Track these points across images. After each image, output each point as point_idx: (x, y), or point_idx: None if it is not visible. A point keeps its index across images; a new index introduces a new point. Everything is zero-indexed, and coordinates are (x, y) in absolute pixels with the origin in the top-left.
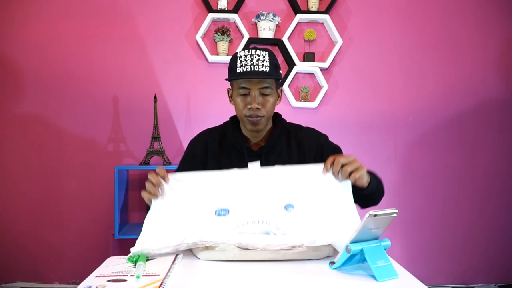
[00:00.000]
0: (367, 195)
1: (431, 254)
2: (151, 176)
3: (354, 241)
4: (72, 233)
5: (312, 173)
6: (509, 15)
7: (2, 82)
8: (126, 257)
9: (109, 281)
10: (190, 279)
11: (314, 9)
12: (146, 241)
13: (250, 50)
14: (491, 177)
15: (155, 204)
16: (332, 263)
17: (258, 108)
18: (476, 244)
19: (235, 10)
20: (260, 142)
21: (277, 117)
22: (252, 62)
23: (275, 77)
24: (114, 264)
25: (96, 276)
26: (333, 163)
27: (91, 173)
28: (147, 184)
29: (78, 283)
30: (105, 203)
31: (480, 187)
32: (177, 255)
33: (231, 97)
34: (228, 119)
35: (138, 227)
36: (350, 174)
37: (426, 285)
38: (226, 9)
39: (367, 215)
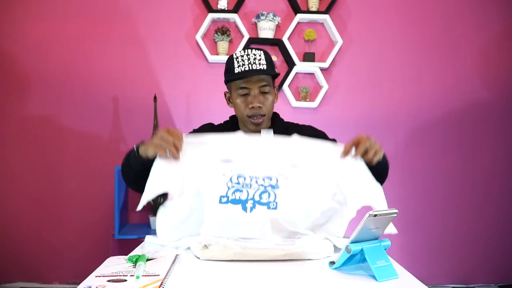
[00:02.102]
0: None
1: (431, 254)
2: (167, 135)
3: (354, 241)
4: (72, 233)
5: (327, 150)
6: (509, 15)
7: (3, 82)
8: (126, 257)
9: (109, 281)
10: (190, 279)
11: (314, 9)
12: (150, 195)
13: (246, 50)
14: (491, 177)
15: (160, 163)
16: (332, 263)
17: (260, 107)
18: (476, 244)
19: (235, 10)
20: None
21: (275, 116)
22: (249, 61)
23: (272, 72)
24: (114, 264)
25: (96, 276)
26: (355, 146)
27: (91, 173)
28: (162, 142)
29: (78, 283)
30: (105, 203)
31: (480, 187)
32: (177, 255)
33: (229, 100)
34: (228, 119)
35: (138, 227)
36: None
37: (426, 285)
38: (226, 9)
39: (367, 215)
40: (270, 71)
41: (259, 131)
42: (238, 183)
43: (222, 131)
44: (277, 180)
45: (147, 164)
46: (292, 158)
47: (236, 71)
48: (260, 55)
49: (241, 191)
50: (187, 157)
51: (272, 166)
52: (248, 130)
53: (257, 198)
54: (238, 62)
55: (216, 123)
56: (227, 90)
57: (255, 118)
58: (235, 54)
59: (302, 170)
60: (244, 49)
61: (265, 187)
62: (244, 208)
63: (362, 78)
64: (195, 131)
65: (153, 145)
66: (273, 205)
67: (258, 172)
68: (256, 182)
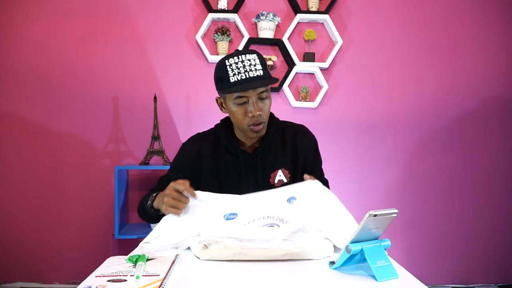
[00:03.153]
0: None
1: (431, 254)
2: (178, 193)
3: (354, 241)
4: (72, 233)
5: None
6: (509, 14)
7: (2, 82)
8: (126, 257)
9: (109, 281)
10: (190, 279)
11: (314, 9)
12: (150, 241)
13: (239, 56)
14: (491, 177)
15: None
16: (332, 263)
17: (260, 114)
18: (476, 244)
19: (235, 10)
20: (254, 144)
21: (270, 116)
22: (245, 69)
23: (272, 80)
24: (114, 264)
25: (96, 276)
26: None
27: (91, 173)
28: (174, 202)
29: (78, 283)
30: (105, 203)
31: (480, 187)
32: (177, 255)
33: (221, 106)
34: (220, 122)
35: (138, 227)
36: None
37: (426, 285)
38: (226, 9)
39: (367, 215)
40: (268, 79)
41: (259, 137)
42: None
43: (213, 137)
44: (278, 222)
45: (160, 214)
46: (287, 192)
47: (232, 80)
48: (254, 59)
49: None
50: (191, 211)
51: (271, 207)
52: (246, 137)
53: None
54: (232, 70)
55: (214, 125)
56: (218, 96)
57: (256, 125)
58: (227, 60)
59: (299, 205)
60: (237, 54)
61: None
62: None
63: (362, 78)
64: (184, 146)
65: (166, 206)
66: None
67: (261, 222)
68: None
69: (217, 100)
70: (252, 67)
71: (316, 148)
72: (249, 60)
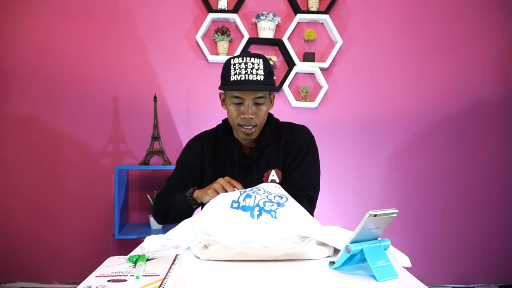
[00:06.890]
0: None
1: (431, 254)
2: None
3: (354, 241)
4: (72, 233)
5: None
6: (509, 15)
7: (2, 82)
8: (126, 257)
9: (109, 281)
10: (190, 279)
11: (314, 9)
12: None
13: (244, 58)
14: (491, 177)
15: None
16: (332, 263)
17: (251, 118)
18: (476, 244)
19: (235, 10)
20: (251, 144)
21: (269, 117)
22: (246, 71)
23: (269, 87)
24: (114, 264)
25: (96, 276)
26: None
27: (91, 173)
28: (221, 185)
29: (78, 283)
30: (105, 203)
31: (480, 187)
32: (177, 255)
33: (223, 102)
34: (221, 122)
35: (138, 227)
36: None
37: (426, 285)
38: (226, 9)
39: (367, 215)
40: (266, 83)
41: (249, 139)
42: (249, 195)
43: (214, 136)
44: (286, 199)
45: (192, 211)
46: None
47: (231, 79)
48: (258, 64)
49: (250, 196)
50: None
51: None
52: (239, 137)
53: (261, 205)
54: (234, 69)
55: (214, 125)
56: (222, 92)
57: (246, 127)
58: (233, 59)
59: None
60: (243, 56)
61: (272, 199)
62: (252, 215)
63: (362, 78)
64: (188, 146)
65: (211, 190)
66: (274, 214)
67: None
68: (265, 191)
69: (220, 95)
70: (254, 71)
71: (309, 149)
72: (252, 63)
